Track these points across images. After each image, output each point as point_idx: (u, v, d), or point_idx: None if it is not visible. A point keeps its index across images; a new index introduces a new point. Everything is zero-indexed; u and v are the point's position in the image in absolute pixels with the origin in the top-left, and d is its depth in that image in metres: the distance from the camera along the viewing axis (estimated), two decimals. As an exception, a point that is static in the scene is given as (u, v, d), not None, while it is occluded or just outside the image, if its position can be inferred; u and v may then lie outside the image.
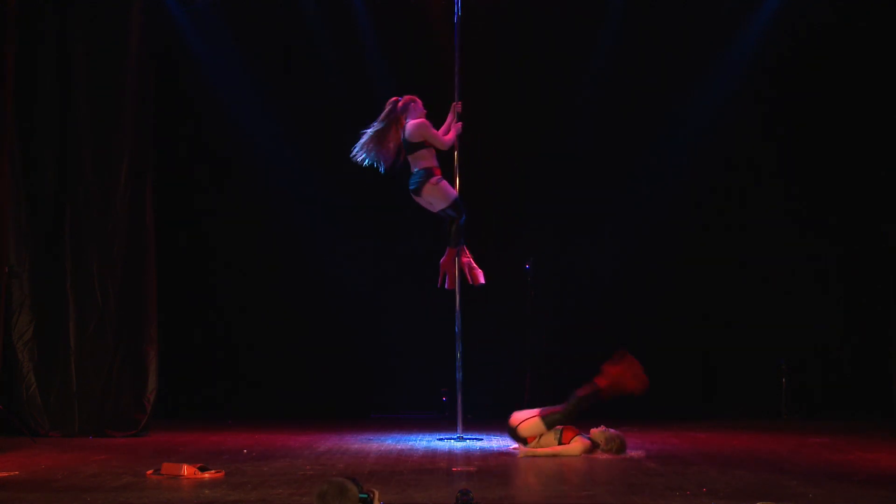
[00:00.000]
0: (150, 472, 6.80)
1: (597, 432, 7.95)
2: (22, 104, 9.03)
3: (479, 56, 9.50)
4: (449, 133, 8.92)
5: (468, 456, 7.89)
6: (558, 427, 7.92)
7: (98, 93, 9.29)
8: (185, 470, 6.66)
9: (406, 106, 8.80)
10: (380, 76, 11.01)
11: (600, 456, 7.75)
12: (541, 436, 7.89)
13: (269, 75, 11.15)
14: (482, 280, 9.01)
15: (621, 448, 7.85)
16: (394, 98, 8.89)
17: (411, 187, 8.74)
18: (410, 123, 8.72)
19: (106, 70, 9.32)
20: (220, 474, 6.71)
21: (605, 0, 10.90)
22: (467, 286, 9.17)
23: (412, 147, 8.70)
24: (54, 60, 9.25)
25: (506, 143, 11.01)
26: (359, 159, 8.83)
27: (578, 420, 8.07)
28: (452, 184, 8.98)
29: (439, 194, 8.73)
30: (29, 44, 9.09)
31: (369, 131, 8.78)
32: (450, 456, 7.89)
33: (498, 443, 8.68)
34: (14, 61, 8.48)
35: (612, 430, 7.97)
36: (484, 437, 9.04)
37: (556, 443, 7.86)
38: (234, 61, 11.05)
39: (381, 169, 8.83)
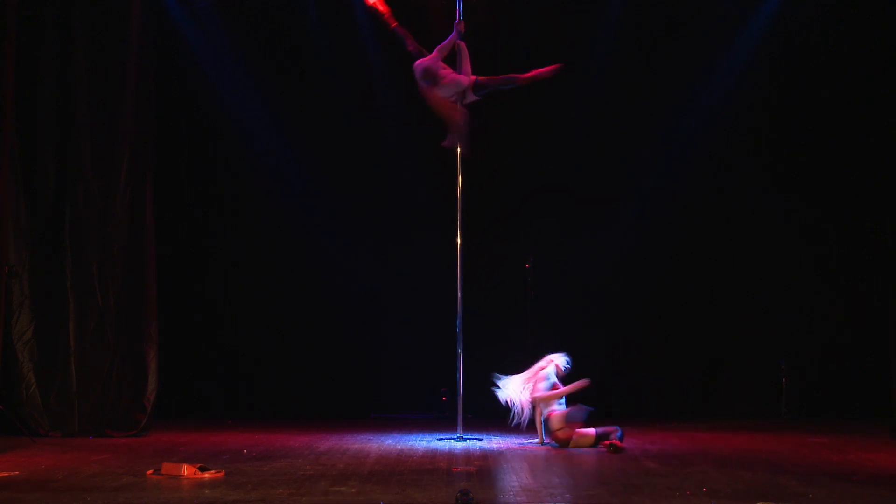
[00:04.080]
0: (150, 472, 6.80)
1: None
2: (22, 104, 9.03)
3: (479, 55, 9.46)
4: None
5: (468, 456, 7.90)
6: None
7: (98, 93, 9.29)
8: (185, 470, 6.66)
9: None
10: (380, 76, 11.03)
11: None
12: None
13: (271, 75, 11.16)
14: None
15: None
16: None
17: None
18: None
19: (106, 70, 9.32)
20: (220, 474, 6.71)
21: (605, 2, 10.94)
22: (468, 290, 9.19)
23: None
24: (55, 60, 9.25)
25: (506, 143, 11.02)
26: None
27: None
28: (454, 184, 9.06)
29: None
30: (30, 43, 9.09)
31: None
32: (450, 456, 7.89)
33: (498, 443, 8.68)
34: (14, 61, 8.47)
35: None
36: (484, 437, 9.04)
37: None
38: (235, 61, 11.06)
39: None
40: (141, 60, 9.42)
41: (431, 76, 8.90)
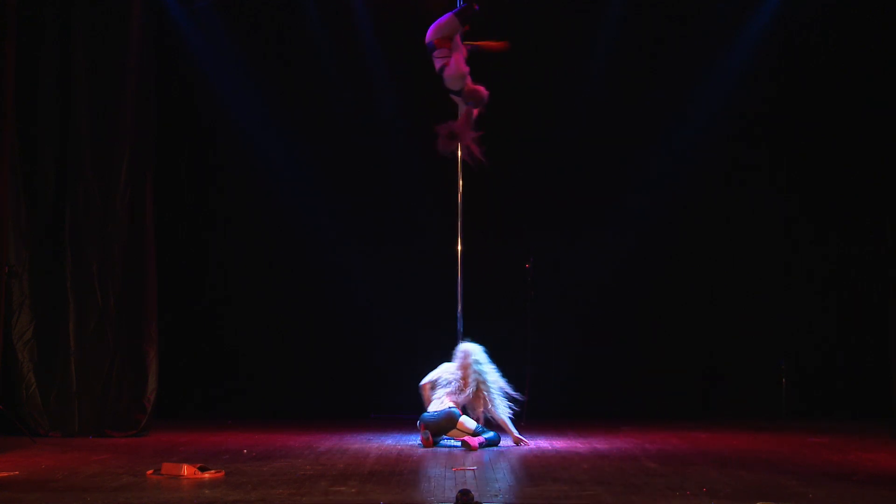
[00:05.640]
0: (150, 472, 6.80)
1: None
2: (23, 104, 9.03)
3: (479, 55, 9.49)
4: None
5: (468, 456, 7.89)
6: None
7: (98, 93, 9.30)
8: (185, 470, 6.67)
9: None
10: (380, 76, 11.04)
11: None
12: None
13: (271, 75, 11.16)
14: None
15: None
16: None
17: None
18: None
19: (106, 70, 9.32)
20: (220, 474, 6.72)
21: (605, 2, 10.95)
22: (468, 290, 9.19)
23: None
24: (55, 60, 9.26)
25: (506, 143, 11.01)
26: None
27: None
28: (455, 185, 9.09)
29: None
30: (30, 43, 9.10)
31: None
32: (450, 456, 7.89)
33: (500, 443, 8.67)
34: (15, 61, 8.47)
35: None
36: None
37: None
38: (235, 61, 11.06)
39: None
40: (141, 60, 9.42)
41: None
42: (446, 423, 8.47)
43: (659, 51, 11.11)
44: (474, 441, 8.28)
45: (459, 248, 9.26)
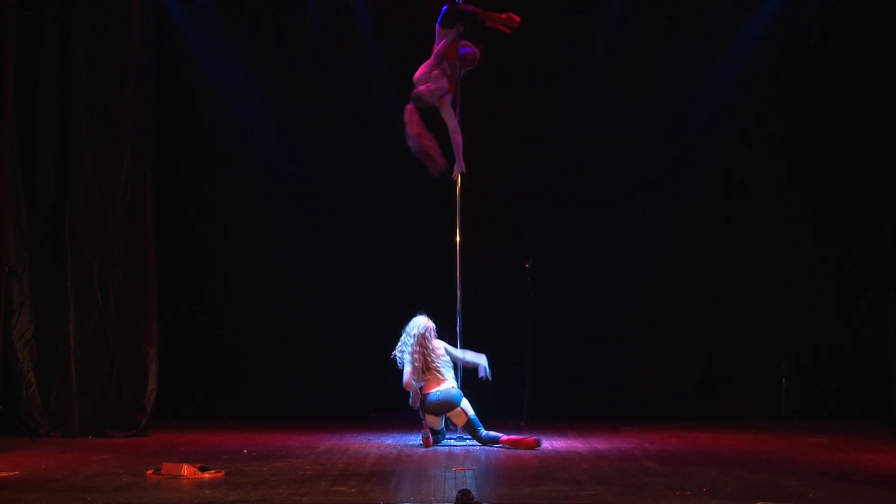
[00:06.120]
0: (150, 472, 6.80)
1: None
2: (22, 104, 9.04)
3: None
4: None
5: (468, 456, 7.89)
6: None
7: (98, 93, 9.29)
8: (185, 470, 6.66)
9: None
10: (380, 75, 11.04)
11: None
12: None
13: (271, 75, 11.16)
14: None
15: None
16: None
17: None
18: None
19: (106, 70, 9.32)
20: (220, 474, 6.71)
21: (605, 2, 10.96)
22: (468, 290, 9.19)
23: None
24: (55, 60, 9.26)
25: (506, 143, 11.03)
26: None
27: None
28: (454, 184, 9.18)
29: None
30: (30, 43, 9.10)
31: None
32: (450, 456, 7.89)
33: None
34: (15, 60, 8.47)
35: None
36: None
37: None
38: (235, 62, 11.07)
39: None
40: (141, 60, 9.42)
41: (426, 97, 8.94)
42: (446, 405, 8.42)
43: (659, 51, 11.12)
44: (531, 439, 8.27)
45: (459, 247, 9.25)
